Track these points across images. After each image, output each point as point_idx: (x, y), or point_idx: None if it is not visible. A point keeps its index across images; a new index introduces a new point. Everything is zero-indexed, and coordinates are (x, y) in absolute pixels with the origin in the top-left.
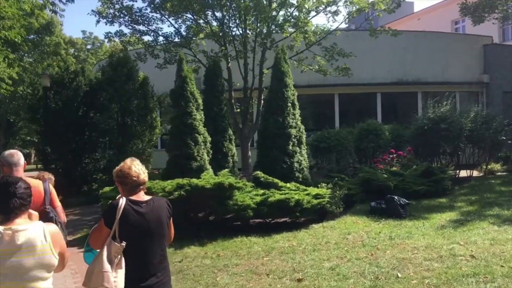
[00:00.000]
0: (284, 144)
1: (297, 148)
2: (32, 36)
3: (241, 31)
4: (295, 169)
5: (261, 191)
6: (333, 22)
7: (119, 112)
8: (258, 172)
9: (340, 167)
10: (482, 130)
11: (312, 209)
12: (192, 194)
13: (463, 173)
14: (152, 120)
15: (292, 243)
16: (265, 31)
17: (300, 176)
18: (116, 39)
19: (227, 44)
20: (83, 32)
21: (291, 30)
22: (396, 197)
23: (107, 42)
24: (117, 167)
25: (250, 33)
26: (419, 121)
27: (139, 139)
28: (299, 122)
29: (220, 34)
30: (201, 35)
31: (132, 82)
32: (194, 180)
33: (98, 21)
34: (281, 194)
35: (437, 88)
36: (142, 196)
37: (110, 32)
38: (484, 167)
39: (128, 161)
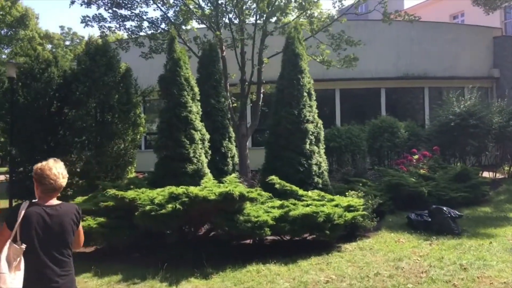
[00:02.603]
0: (300, 142)
1: (315, 147)
2: (4, 30)
3: (237, 13)
4: (313, 173)
5: (278, 202)
6: (341, 7)
7: (97, 107)
8: (273, 177)
9: (359, 170)
10: (510, 127)
11: (344, 225)
12: (191, 208)
13: (485, 175)
14: (135, 117)
15: (329, 274)
16: (265, 15)
17: (320, 181)
18: (94, 24)
19: (223, 28)
20: (61, 27)
21: (293, 14)
22: (445, 208)
23: (84, 26)
24: (39, 165)
25: (248, 17)
26: (442, 117)
27: (121, 138)
28: (316, 116)
29: (213, 20)
30: (191, 23)
31: (113, 74)
32: (193, 189)
33: (72, 2)
34: (305, 206)
35: (445, 83)
36: (51, 201)
37: (87, 16)
38: (507, 168)
39: (51, 162)
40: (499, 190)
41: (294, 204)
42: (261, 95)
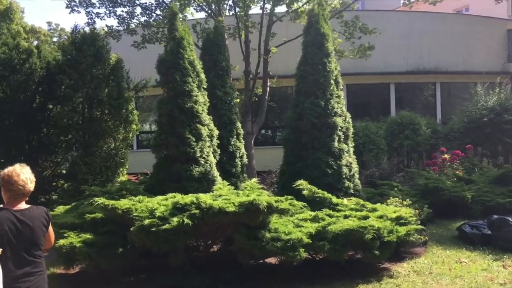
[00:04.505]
0: (327, 139)
1: (344, 145)
2: None
3: None
4: (344, 176)
5: (310, 213)
6: None
7: (85, 103)
8: (302, 182)
9: (385, 172)
10: None
11: (396, 243)
12: (203, 222)
13: None
14: (127, 113)
15: None
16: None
17: (351, 186)
18: (81, 10)
19: (225, 13)
20: (49, 23)
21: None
22: (510, 219)
23: (70, 12)
24: (5, 171)
25: (253, 3)
26: (472, 112)
27: (111, 136)
28: (344, 108)
29: (214, 6)
30: (189, 10)
31: (102, 65)
32: (205, 198)
33: None
34: (343, 217)
35: (458, 78)
36: (20, 205)
37: (74, 1)
38: None
39: (18, 167)
40: None
41: (330, 216)
42: (268, 89)
